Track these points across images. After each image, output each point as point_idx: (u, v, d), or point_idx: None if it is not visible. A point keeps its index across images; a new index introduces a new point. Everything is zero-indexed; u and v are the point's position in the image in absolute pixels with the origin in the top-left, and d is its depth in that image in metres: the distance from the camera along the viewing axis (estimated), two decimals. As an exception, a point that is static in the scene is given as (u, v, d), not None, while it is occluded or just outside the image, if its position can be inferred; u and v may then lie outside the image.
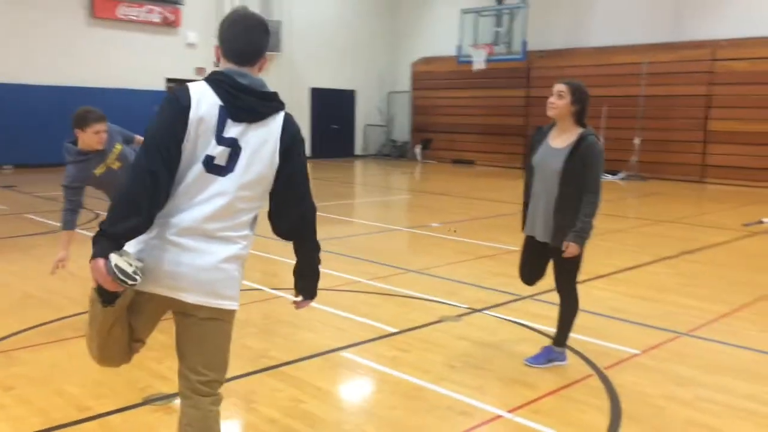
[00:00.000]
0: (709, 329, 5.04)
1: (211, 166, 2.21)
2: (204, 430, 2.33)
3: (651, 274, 6.85)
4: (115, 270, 2.03)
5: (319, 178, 17.10)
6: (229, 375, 3.93)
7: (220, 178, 2.22)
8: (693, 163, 16.58)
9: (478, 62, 16.57)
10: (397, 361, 4.27)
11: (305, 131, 21.36)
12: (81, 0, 16.52)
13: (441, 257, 7.49)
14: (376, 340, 4.65)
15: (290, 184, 2.34)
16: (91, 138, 4.56)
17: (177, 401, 3.54)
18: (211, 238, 2.23)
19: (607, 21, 17.74)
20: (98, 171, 4.69)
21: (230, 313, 2.33)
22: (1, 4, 15.40)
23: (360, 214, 10.54)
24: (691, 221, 10.58)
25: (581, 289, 6.05)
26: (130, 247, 2.22)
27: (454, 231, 8.60)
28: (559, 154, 3.92)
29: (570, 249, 3.89)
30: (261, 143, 2.26)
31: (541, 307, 5.32)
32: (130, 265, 2.07)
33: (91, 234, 2.17)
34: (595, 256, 7.50)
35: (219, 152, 2.21)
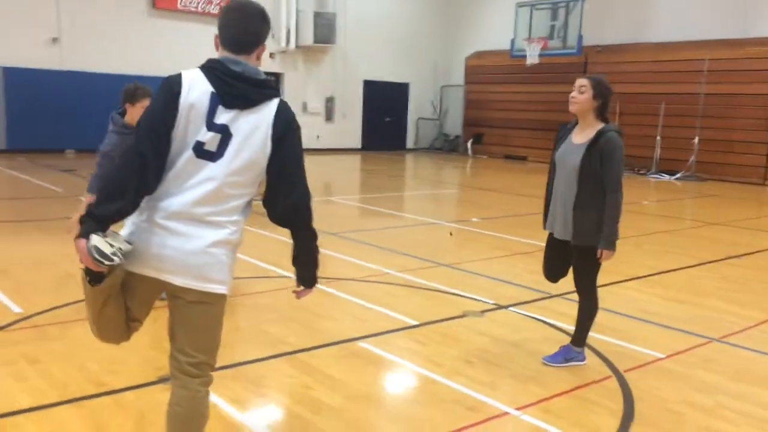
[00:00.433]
0: (743, 336, 4.85)
1: (201, 151, 2.24)
2: (192, 410, 2.38)
3: (691, 278, 6.63)
4: (93, 251, 2.10)
5: (367, 170, 17.20)
6: (244, 359, 4.08)
7: (210, 164, 2.26)
8: (755, 164, 15.94)
9: (532, 56, 16.31)
10: (413, 353, 4.27)
11: (357, 124, 21.61)
12: (143, -9, 17.04)
13: (476, 252, 7.43)
14: (395, 332, 4.65)
15: (283, 171, 2.35)
16: (138, 112, 4.70)
17: (189, 382, 3.66)
18: (200, 222, 2.27)
19: (669, 16, 17.19)
20: None
21: (219, 296, 2.36)
22: (67, -5, 16.01)
23: (401, 207, 10.54)
24: (745, 225, 10.18)
25: (613, 290, 5.97)
26: (125, 229, 2.29)
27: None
28: (578, 150, 3.84)
29: (605, 256, 3.83)
30: (252, 130, 2.28)
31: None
32: (111, 246, 2.12)
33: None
34: (635, 257, 7.33)
35: (209, 138, 2.24)
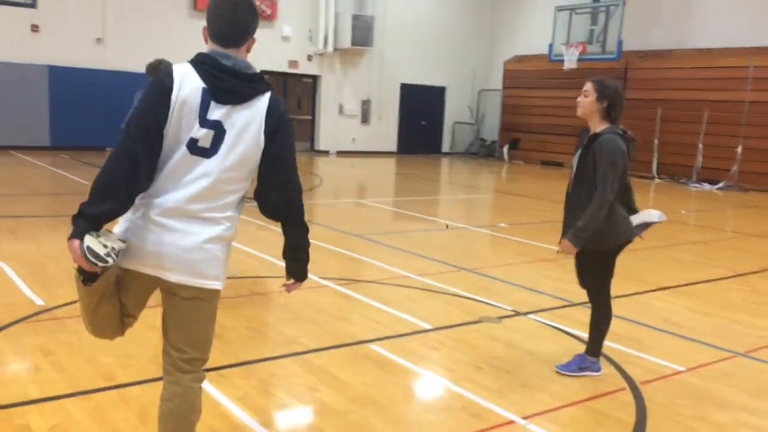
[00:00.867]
0: (770, 351, 4.68)
1: (195, 148, 2.24)
2: (184, 406, 2.38)
3: (722, 290, 6.43)
4: (86, 252, 2.10)
5: (401, 174, 17.17)
6: (254, 357, 4.09)
7: (205, 160, 2.26)
8: (801, 175, 15.44)
9: (570, 61, 16.08)
10: (424, 357, 4.23)
11: (393, 126, 21.60)
12: (185, -7, 17.34)
13: (499, 257, 7.34)
14: (409, 336, 4.62)
15: (276, 165, 2.34)
16: None
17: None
18: (195, 218, 2.27)
19: (713, 22, 16.77)
20: None
21: (214, 292, 2.37)
22: (111, -4, 16.40)
23: (430, 211, 10.48)
24: (785, 237, 9.85)
25: (639, 299, 5.83)
26: (119, 225, 2.31)
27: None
28: (579, 153, 3.82)
29: (562, 245, 3.75)
30: (246, 125, 2.28)
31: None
32: (105, 246, 2.12)
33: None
34: (665, 267, 7.16)
35: (203, 134, 2.24)
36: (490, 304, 5.43)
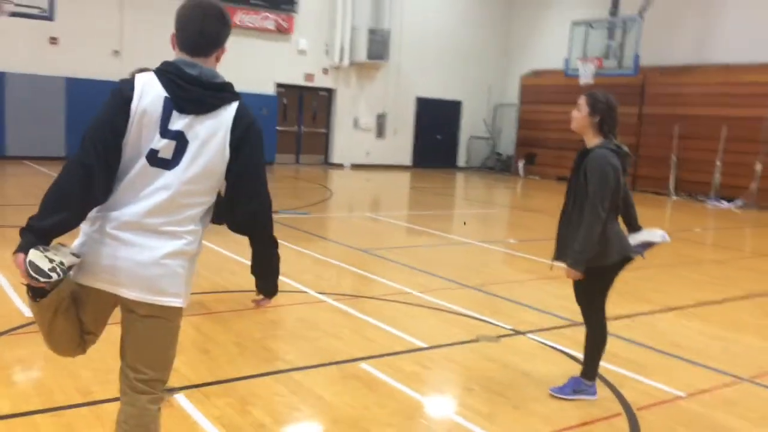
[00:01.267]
0: (778, 377, 4.49)
1: (155, 159, 2.16)
2: (137, 429, 2.28)
3: (734, 311, 6.22)
4: (29, 266, 2.00)
5: (415, 188, 17.06)
6: (237, 375, 3.99)
7: (166, 172, 2.17)
8: (822, 194, 15.08)
9: (585, 76, 15.88)
10: (414, 377, 4.09)
11: (408, 140, 21.53)
12: (202, 6, 17.45)
13: (504, 274, 7.19)
14: (401, 354, 4.49)
15: (242, 177, 2.25)
16: None
17: (175, 395, 3.60)
18: (153, 232, 2.18)
19: (733, 37, 16.51)
20: None
21: (173, 310, 2.27)
22: (128, 7, 16.56)
23: (440, 226, 10.34)
24: (803, 257, 9.57)
25: (645, 320, 5.66)
26: (78, 239, 2.23)
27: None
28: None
29: (567, 274, 3.67)
30: (209, 136, 2.19)
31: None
32: (51, 261, 2.02)
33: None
34: (675, 287, 6.97)
35: (163, 145, 2.16)
36: (490, 323, 5.28)
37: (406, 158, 21.63)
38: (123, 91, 2.15)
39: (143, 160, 2.16)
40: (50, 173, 13.98)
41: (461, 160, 22.94)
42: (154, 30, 16.84)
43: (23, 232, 2.07)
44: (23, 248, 2.04)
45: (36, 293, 2.13)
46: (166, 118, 2.16)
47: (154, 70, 2.22)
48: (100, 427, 3.21)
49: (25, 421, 3.20)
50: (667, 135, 17.19)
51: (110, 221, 2.17)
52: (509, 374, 4.26)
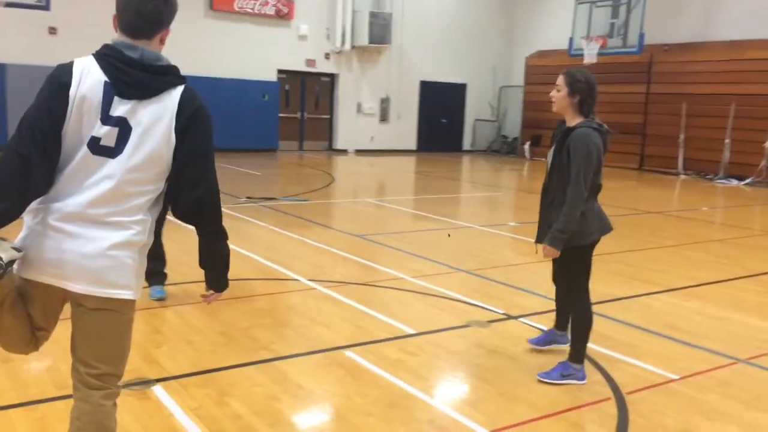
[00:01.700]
0: (775, 358, 4.37)
1: (97, 147, 2.07)
2: (90, 426, 2.20)
3: (736, 290, 6.10)
4: None
5: (420, 172, 16.93)
6: (219, 365, 3.93)
7: (110, 161, 2.08)
8: (833, 170, 14.82)
9: (590, 55, 15.64)
10: (399, 365, 4.01)
11: (413, 125, 21.36)
12: (201, -7, 17.36)
13: (501, 258, 7.09)
14: (388, 341, 4.41)
15: (188, 164, 2.15)
16: None
17: (153, 388, 3.54)
18: (98, 223, 2.10)
19: (740, 13, 16.19)
20: None
21: (124, 302, 2.19)
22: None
23: (442, 210, 10.23)
24: (811, 234, 9.40)
25: (643, 301, 5.54)
26: (21, 232, 2.15)
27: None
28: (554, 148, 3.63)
29: (545, 251, 3.60)
30: (154, 121, 2.10)
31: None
32: None
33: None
34: (676, 267, 6.84)
35: (105, 132, 2.07)
36: (482, 307, 5.19)
37: (411, 143, 21.48)
38: (60, 77, 2.06)
39: (85, 149, 2.07)
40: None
41: (467, 144, 22.77)
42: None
43: None
44: None
45: None
46: (107, 104, 2.07)
47: (93, 54, 2.13)
48: (74, 420, 3.15)
49: (-3, 415, 3.16)
50: (675, 113, 16.93)
51: (53, 213, 2.09)
52: (497, 360, 4.17)
